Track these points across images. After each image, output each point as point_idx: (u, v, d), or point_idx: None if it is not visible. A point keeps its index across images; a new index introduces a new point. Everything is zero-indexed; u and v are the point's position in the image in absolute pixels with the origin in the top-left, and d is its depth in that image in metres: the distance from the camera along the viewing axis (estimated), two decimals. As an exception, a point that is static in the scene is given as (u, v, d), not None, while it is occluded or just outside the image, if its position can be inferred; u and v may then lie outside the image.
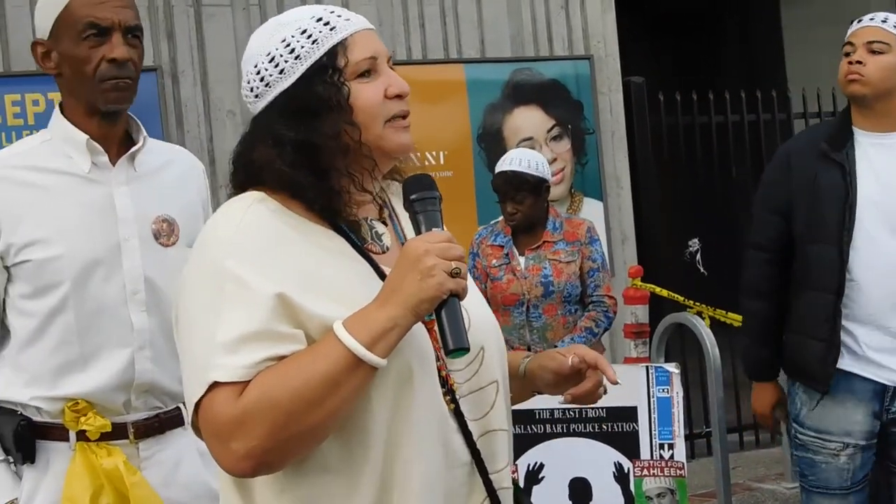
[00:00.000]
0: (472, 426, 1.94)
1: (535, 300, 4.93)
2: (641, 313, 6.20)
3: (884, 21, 3.65)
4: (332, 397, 1.76)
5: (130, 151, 2.69)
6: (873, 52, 3.62)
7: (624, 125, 7.74)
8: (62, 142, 2.64)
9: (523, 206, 4.98)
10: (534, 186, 4.98)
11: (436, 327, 1.84)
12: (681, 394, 4.12)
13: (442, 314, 1.81)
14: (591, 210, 7.58)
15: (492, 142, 7.32)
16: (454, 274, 1.79)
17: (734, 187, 8.11)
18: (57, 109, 2.69)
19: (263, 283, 1.81)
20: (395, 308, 1.79)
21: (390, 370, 1.82)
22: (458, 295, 1.81)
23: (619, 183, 7.71)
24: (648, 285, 6.38)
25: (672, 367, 4.19)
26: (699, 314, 6.34)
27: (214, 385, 1.78)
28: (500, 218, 5.16)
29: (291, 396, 1.75)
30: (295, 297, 1.81)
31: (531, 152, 5.27)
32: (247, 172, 1.96)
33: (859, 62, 3.62)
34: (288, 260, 1.86)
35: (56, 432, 2.58)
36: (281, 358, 1.79)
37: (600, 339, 5.17)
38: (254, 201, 1.92)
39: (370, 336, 1.77)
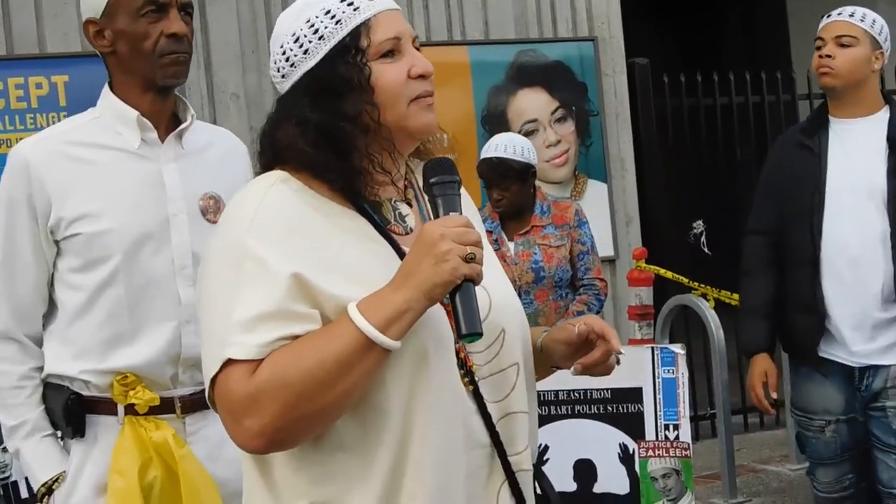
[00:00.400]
0: (491, 408, 1.94)
1: (526, 286, 4.89)
2: (646, 295, 6.20)
3: (851, 15, 3.94)
4: (344, 378, 1.78)
5: (178, 129, 2.72)
6: (842, 45, 3.92)
7: (628, 107, 7.73)
8: (112, 118, 2.67)
9: (509, 193, 4.94)
10: (519, 173, 4.94)
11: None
12: (686, 374, 4.13)
13: (456, 299, 1.82)
14: (596, 192, 7.57)
15: (496, 124, 7.31)
16: (469, 259, 1.80)
17: (738, 169, 8.10)
18: (106, 88, 2.72)
19: (282, 263, 1.82)
20: (410, 291, 1.79)
21: (406, 352, 1.83)
22: (472, 280, 1.81)
23: (623, 165, 7.70)
24: (653, 267, 6.38)
25: (677, 348, 4.20)
26: (703, 296, 6.34)
27: (229, 362, 1.80)
28: (489, 203, 5.13)
29: (304, 376, 1.76)
30: (313, 278, 1.83)
31: (517, 137, 5.24)
32: (272, 152, 1.98)
33: (829, 56, 3.92)
34: (308, 240, 1.87)
35: (104, 406, 2.60)
36: (296, 337, 1.80)
37: None
38: (277, 180, 1.93)
39: (384, 319, 1.78)
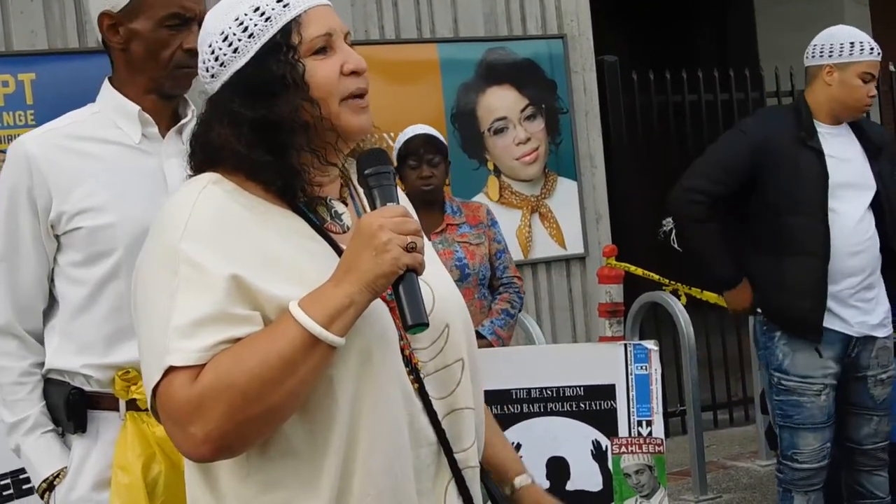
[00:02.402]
0: (437, 405, 1.93)
1: None
2: (616, 292, 6.22)
3: (879, 54, 4.42)
4: (289, 378, 1.75)
5: (179, 124, 2.71)
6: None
7: (598, 104, 7.75)
8: (113, 113, 2.66)
9: (438, 171, 4.83)
10: (445, 153, 4.89)
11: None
12: (659, 371, 4.15)
13: (399, 290, 1.80)
14: (566, 189, 7.59)
15: (465, 122, 7.31)
16: (410, 248, 1.78)
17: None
18: (106, 82, 2.71)
19: (218, 266, 1.80)
20: (351, 285, 1.77)
21: (351, 350, 1.81)
22: (415, 270, 1.80)
23: (592, 162, 7.72)
24: (623, 264, 6.40)
25: (650, 345, 4.22)
26: (674, 292, 6.36)
27: (171, 370, 1.76)
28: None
29: (248, 378, 1.74)
30: (251, 279, 1.80)
31: (432, 128, 5.15)
32: (204, 153, 1.95)
33: (874, 95, 4.43)
34: (243, 242, 1.84)
35: (106, 401, 2.59)
36: (237, 340, 1.78)
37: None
38: (209, 183, 1.90)
39: (326, 314, 1.76)
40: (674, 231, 7.17)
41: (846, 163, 4.34)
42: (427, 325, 1.81)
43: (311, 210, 1.93)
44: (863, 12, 10.85)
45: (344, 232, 1.95)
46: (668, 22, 12.58)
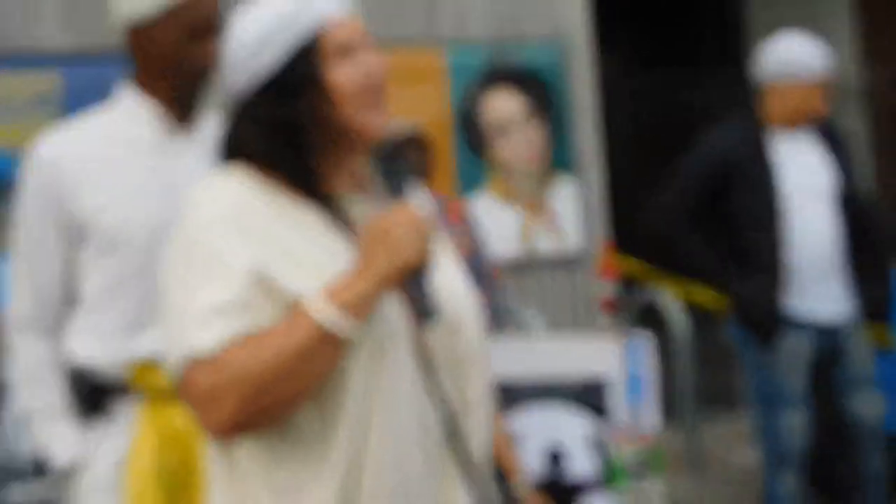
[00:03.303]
0: (446, 399, 1.95)
1: None
2: (613, 287, 6.26)
3: (829, 63, 4.45)
4: (302, 370, 1.78)
5: (196, 123, 2.74)
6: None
7: (597, 105, 7.79)
8: (132, 113, 2.68)
9: (422, 170, 4.85)
10: (426, 151, 4.91)
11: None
12: (653, 363, 4.18)
13: (412, 285, 1.83)
14: (566, 188, 7.62)
15: (469, 122, 7.36)
16: (422, 245, 1.82)
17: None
18: (128, 84, 2.72)
19: (238, 258, 1.83)
20: (366, 280, 1.80)
21: (363, 343, 1.84)
22: (427, 266, 1.83)
23: (592, 161, 7.75)
24: (620, 260, 6.43)
25: (645, 338, 4.24)
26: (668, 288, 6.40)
27: (192, 356, 1.81)
28: None
29: (262, 369, 1.77)
30: (269, 271, 1.83)
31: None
32: (228, 150, 1.98)
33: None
34: (263, 234, 1.86)
35: (123, 390, 2.62)
36: (255, 330, 1.81)
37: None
38: (232, 177, 1.94)
39: (340, 308, 1.78)
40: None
41: (800, 168, 4.43)
42: (438, 319, 1.84)
43: (329, 206, 1.95)
44: (848, 18, 10.84)
45: (360, 228, 1.95)
46: (667, 22, 12.59)
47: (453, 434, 1.95)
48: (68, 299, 2.71)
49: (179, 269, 1.87)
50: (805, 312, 4.41)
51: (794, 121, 4.47)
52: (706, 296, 6.42)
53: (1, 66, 6.16)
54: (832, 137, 4.52)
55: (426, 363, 1.94)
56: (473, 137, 7.41)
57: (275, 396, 1.79)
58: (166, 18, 2.63)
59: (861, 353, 4.51)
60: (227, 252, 1.83)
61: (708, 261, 4.54)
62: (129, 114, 2.70)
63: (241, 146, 1.96)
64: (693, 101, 7.96)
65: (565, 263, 7.67)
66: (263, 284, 1.83)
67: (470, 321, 2.02)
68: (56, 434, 2.68)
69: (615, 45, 8.51)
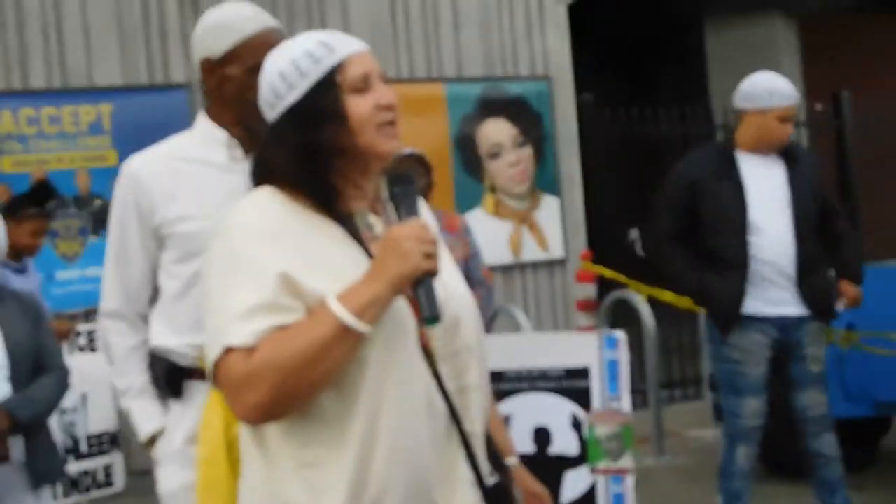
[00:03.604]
0: (448, 384, 1.93)
1: None
2: (591, 290, 6.25)
3: (794, 99, 4.39)
4: (325, 359, 1.77)
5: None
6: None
7: (577, 134, 7.78)
8: (205, 138, 2.69)
9: (422, 181, 4.68)
10: (431, 171, 4.75)
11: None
12: (627, 356, 4.16)
13: (418, 289, 1.81)
14: (549, 204, 7.62)
15: (466, 147, 7.35)
16: (428, 255, 1.80)
17: (667, 186, 8.16)
18: (202, 112, 2.74)
19: (271, 263, 1.81)
20: (379, 284, 1.79)
21: (377, 337, 1.82)
22: (432, 273, 1.81)
23: (572, 182, 7.75)
24: (596, 267, 6.42)
25: (619, 334, 4.22)
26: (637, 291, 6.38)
27: (229, 348, 1.79)
28: None
29: (292, 358, 1.76)
30: (297, 276, 1.81)
31: (419, 149, 5.04)
32: (261, 171, 1.97)
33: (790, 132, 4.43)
34: (292, 244, 1.85)
35: (198, 373, 2.59)
36: (284, 326, 1.79)
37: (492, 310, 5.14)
38: (265, 195, 1.92)
39: (357, 308, 1.77)
40: (640, 239, 7.25)
41: (764, 186, 4.34)
42: (440, 319, 1.82)
43: (348, 220, 1.93)
44: (794, 59, 10.86)
45: (375, 239, 1.94)
46: (639, 59, 12.60)
47: (455, 413, 1.93)
48: (152, 295, 2.72)
49: (219, 273, 1.85)
50: (764, 311, 4.32)
51: (764, 146, 4.38)
52: (670, 297, 6.40)
53: (67, 100, 6.15)
54: (793, 158, 4.45)
55: (430, 352, 1.92)
56: (469, 160, 7.38)
57: (302, 382, 1.77)
58: (232, 57, 2.63)
59: (814, 352, 4.39)
60: (260, 259, 1.82)
61: (686, 280, 4.46)
62: (203, 139, 2.70)
63: (271, 168, 1.94)
64: (660, 130, 7.93)
65: (549, 269, 7.65)
66: (292, 287, 1.81)
67: (468, 317, 2.00)
68: (141, 410, 2.69)
69: (593, 83, 8.50)
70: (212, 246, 1.93)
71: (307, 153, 1.89)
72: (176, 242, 2.63)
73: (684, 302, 6.58)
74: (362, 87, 1.92)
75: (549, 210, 7.63)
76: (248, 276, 1.81)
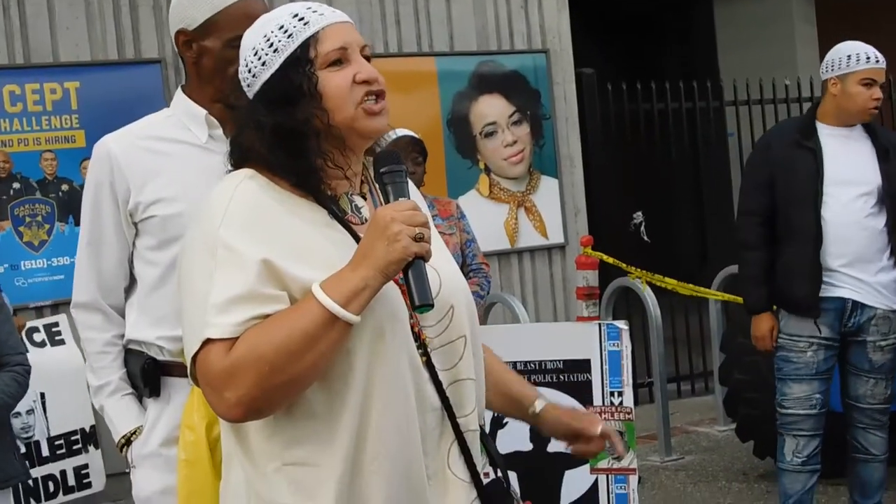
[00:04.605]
0: (442, 375, 1.93)
1: None
2: (592, 277, 6.22)
3: (878, 62, 4.43)
4: (311, 351, 1.76)
5: None
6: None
7: (577, 111, 7.76)
8: (184, 116, 2.68)
9: (420, 168, 4.81)
10: (426, 154, 4.87)
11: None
12: (629, 347, 4.16)
13: (409, 274, 1.81)
14: (548, 186, 7.61)
15: (459, 126, 7.34)
16: (418, 238, 1.79)
17: (673, 166, 8.17)
18: (179, 90, 2.72)
19: (251, 250, 1.81)
20: (367, 270, 1.78)
21: (366, 327, 1.82)
22: (422, 257, 1.81)
23: (572, 162, 7.74)
24: (597, 253, 6.42)
25: (622, 324, 4.22)
26: (639, 279, 6.39)
27: (208, 341, 1.78)
28: None
29: (276, 350, 1.75)
30: (279, 263, 1.81)
31: (414, 132, 5.02)
32: (238, 153, 1.97)
33: (878, 98, 4.43)
34: (273, 229, 1.85)
35: (177, 369, 2.59)
36: (267, 316, 1.79)
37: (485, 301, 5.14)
38: (244, 178, 1.92)
39: (344, 295, 1.77)
40: (643, 223, 7.26)
41: (844, 159, 4.36)
42: (432, 305, 1.82)
43: (333, 203, 1.93)
44: (811, 32, 10.86)
45: (362, 223, 1.94)
46: (640, 38, 12.59)
47: (448, 406, 1.94)
48: (127, 284, 2.70)
49: (196, 262, 1.86)
50: (833, 295, 4.34)
51: (845, 115, 4.41)
52: (675, 284, 6.41)
53: (30, 77, 6.13)
54: (877, 137, 4.47)
55: (423, 342, 1.92)
56: (462, 140, 7.38)
57: (286, 376, 1.76)
58: (210, 28, 2.61)
59: (877, 340, 4.40)
60: (240, 245, 1.81)
61: (754, 285, 4.49)
62: (181, 118, 2.69)
63: (247, 150, 1.94)
64: (666, 107, 7.92)
65: (547, 255, 7.65)
66: (274, 275, 1.81)
67: (461, 304, 2.00)
68: (116, 409, 2.68)
69: (595, 59, 8.49)
70: (188, 232, 1.92)
71: (282, 134, 1.88)
72: (153, 227, 2.61)
73: (689, 290, 6.60)
74: (339, 61, 1.91)
75: (547, 193, 7.62)
76: (227, 264, 1.81)
